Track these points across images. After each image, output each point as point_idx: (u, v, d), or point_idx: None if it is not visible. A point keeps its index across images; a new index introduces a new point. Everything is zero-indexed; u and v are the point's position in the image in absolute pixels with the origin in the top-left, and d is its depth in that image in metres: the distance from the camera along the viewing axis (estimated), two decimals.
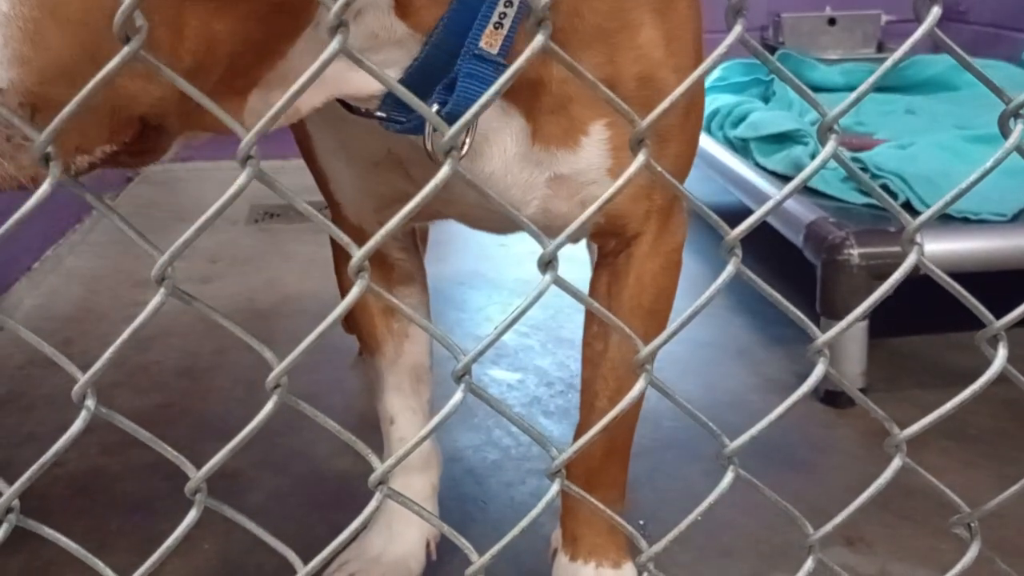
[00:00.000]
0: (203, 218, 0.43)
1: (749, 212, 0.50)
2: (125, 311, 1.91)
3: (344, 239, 0.45)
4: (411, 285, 1.07)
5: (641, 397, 0.97)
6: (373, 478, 0.48)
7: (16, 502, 0.47)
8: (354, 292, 0.44)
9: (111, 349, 0.44)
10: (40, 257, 2.14)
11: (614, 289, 0.93)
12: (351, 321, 1.13)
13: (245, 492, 1.26)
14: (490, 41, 0.67)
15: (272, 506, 1.23)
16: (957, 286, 0.55)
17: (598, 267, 0.95)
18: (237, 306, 1.92)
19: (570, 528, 0.99)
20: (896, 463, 0.58)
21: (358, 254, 0.44)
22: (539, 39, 0.44)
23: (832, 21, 2.91)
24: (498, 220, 0.99)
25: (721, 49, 0.48)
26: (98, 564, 0.49)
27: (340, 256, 1.04)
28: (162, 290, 0.44)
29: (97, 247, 2.32)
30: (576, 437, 0.99)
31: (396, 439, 1.05)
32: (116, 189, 2.83)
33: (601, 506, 0.55)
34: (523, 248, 2.18)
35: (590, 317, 0.97)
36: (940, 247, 1.44)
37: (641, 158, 0.48)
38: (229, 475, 1.29)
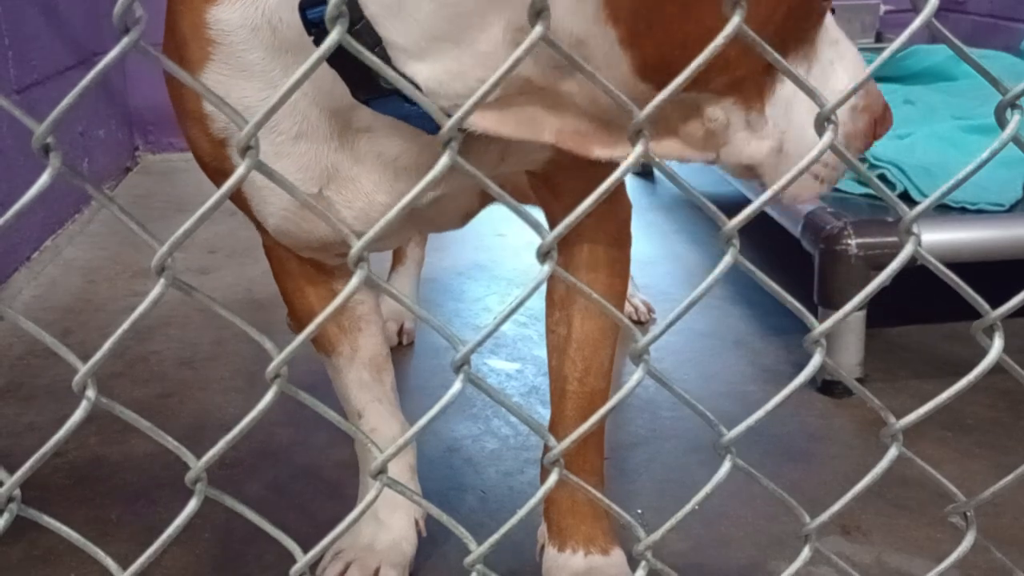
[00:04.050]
0: (204, 207, 0.43)
1: (747, 202, 0.50)
2: (123, 302, 1.92)
3: (344, 229, 0.45)
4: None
5: (609, 378, 0.97)
6: (373, 467, 0.49)
7: (17, 492, 0.47)
8: (353, 282, 0.44)
9: (111, 339, 0.45)
10: (39, 248, 2.14)
11: (571, 264, 0.94)
12: (300, 324, 1.07)
13: (244, 482, 1.26)
14: None
15: (271, 496, 1.24)
16: (953, 275, 0.55)
17: None
18: (235, 297, 1.92)
19: (555, 519, 1.00)
20: (892, 452, 0.58)
21: (358, 244, 0.44)
22: (538, 30, 0.45)
23: (831, 10, 2.89)
24: (449, 220, 1.00)
25: (720, 40, 0.48)
26: (98, 553, 0.50)
27: (281, 256, 0.98)
28: (162, 280, 0.44)
29: (96, 238, 2.32)
30: (552, 426, 1.00)
31: (368, 431, 1.04)
32: (115, 180, 2.83)
33: (597, 494, 0.55)
34: (521, 239, 2.18)
35: (551, 304, 0.98)
36: (938, 237, 1.45)
37: (639, 148, 0.48)
38: (228, 465, 1.29)
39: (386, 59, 0.67)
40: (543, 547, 1.01)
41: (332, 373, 1.05)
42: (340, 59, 0.67)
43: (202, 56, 0.78)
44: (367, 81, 0.69)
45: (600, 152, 0.71)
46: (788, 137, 0.72)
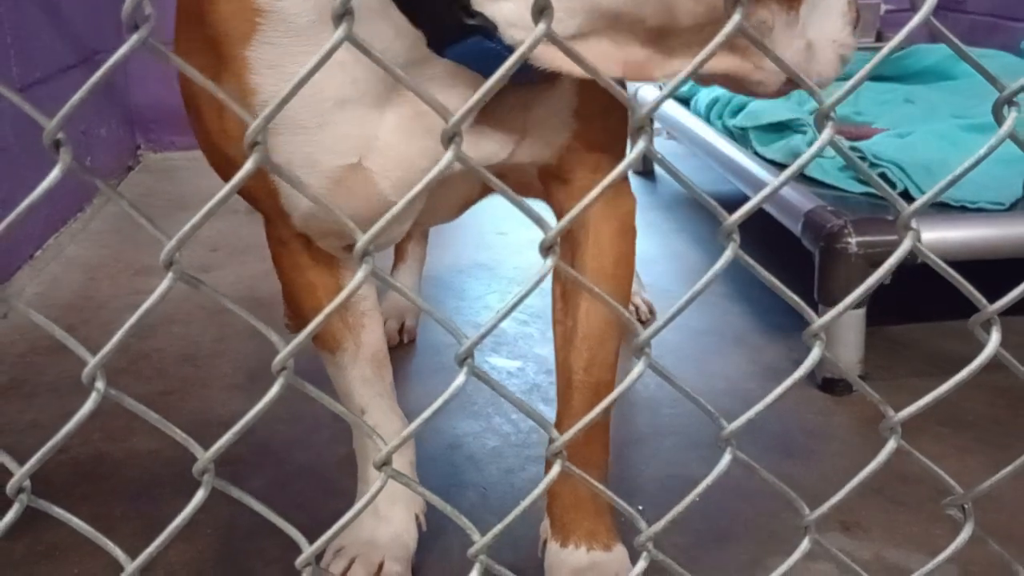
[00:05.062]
0: (211, 202, 0.43)
1: (748, 201, 0.51)
2: (126, 299, 1.92)
3: (349, 224, 0.45)
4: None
5: (614, 371, 0.98)
6: (378, 459, 0.49)
7: (27, 483, 0.48)
8: (360, 275, 0.45)
9: (120, 332, 0.45)
10: (42, 245, 2.15)
11: (577, 257, 0.95)
12: (306, 322, 1.07)
13: (246, 479, 1.27)
14: None
15: (273, 493, 1.24)
16: (951, 271, 0.55)
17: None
18: (238, 294, 1.93)
19: (558, 515, 1.00)
20: (891, 445, 0.59)
21: (364, 237, 0.45)
22: (541, 27, 0.45)
23: None
24: (449, 208, 1.02)
25: (720, 38, 0.48)
26: (107, 544, 0.50)
27: (294, 249, 0.97)
28: (170, 275, 0.44)
29: (98, 236, 2.33)
30: (558, 418, 1.00)
31: (371, 426, 1.04)
32: (116, 178, 2.84)
33: (600, 486, 0.56)
34: (522, 236, 2.19)
35: (556, 296, 0.99)
36: (937, 235, 1.45)
37: (641, 144, 0.49)
38: (231, 462, 1.29)
39: None
40: (545, 542, 1.02)
41: (334, 371, 1.04)
42: (416, 10, 0.70)
43: (249, 28, 0.76)
44: (451, 23, 0.70)
45: (659, 73, 0.75)
46: (813, 31, 0.78)
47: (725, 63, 0.76)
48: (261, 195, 0.88)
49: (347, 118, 0.79)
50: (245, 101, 0.80)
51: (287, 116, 0.78)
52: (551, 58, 0.71)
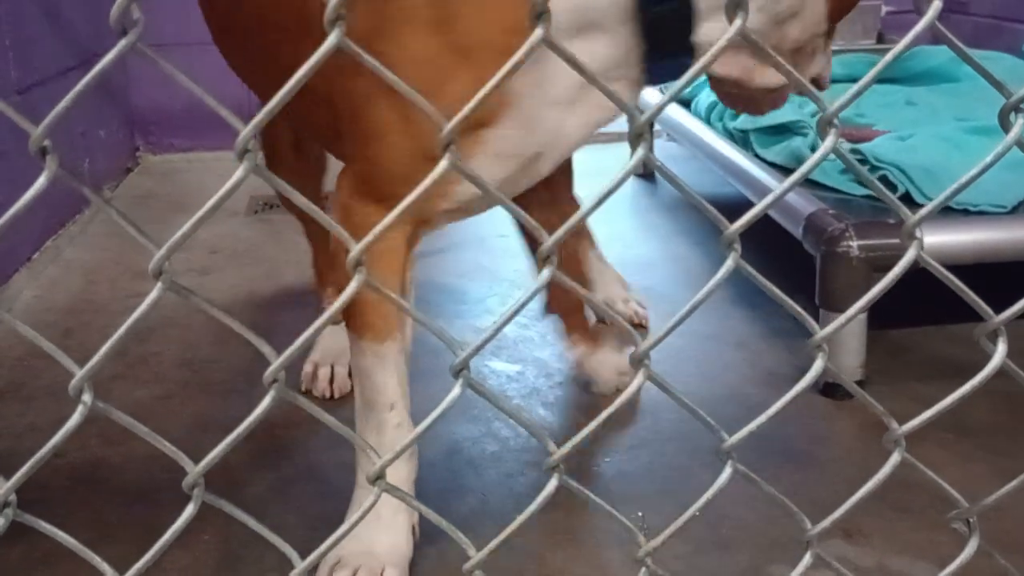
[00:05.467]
0: (201, 211, 0.42)
1: (748, 203, 0.50)
2: (124, 302, 1.91)
3: (343, 234, 0.45)
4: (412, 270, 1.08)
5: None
6: (372, 473, 0.48)
7: (13, 496, 0.47)
8: (352, 286, 0.44)
9: (108, 343, 0.44)
10: (39, 248, 2.14)
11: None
12: (355, 309, 1.04)
13: (245, 484, 1.26)
14: None
15: (272, 497, 1.23)
16: (957, 281, 0.55)
17: None
18: (236, 297, 1.92)
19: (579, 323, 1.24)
20: (895, 458, 0.58)
21: (357, 247, 0.44)
22: (538, 33, 0.44)
23: None
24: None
25: (722, 42, 0.48)
26: (94, 558, 0.49)
27: (392, 234, 1.00)
28: (159, 284, 0.44)
29: (96, 239, 2.32)
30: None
31: (395, 424, 1.03)
32: (115, 180, 2.83)
33: (597, 499, 0.55)
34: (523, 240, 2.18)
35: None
36: (939, 239, 1.44)
37: (641, 152, 0.48)
38: (229, 467, 1.29)
39: (690, 16, 0.89)
40: (579, 356, 1.23)
41: (373, 361, 1.02)
42: (653, 33, 0.90)
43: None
44: (674, 46, 0.90)
45: (758, 79, 0.97)
46: (829, 54, 1.06)
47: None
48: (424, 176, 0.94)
49: (553, 113, 0.93)
50: (487, 97, 0.90)
51: (515, 107, 0.91)
52: (721, 69, 0.95)
